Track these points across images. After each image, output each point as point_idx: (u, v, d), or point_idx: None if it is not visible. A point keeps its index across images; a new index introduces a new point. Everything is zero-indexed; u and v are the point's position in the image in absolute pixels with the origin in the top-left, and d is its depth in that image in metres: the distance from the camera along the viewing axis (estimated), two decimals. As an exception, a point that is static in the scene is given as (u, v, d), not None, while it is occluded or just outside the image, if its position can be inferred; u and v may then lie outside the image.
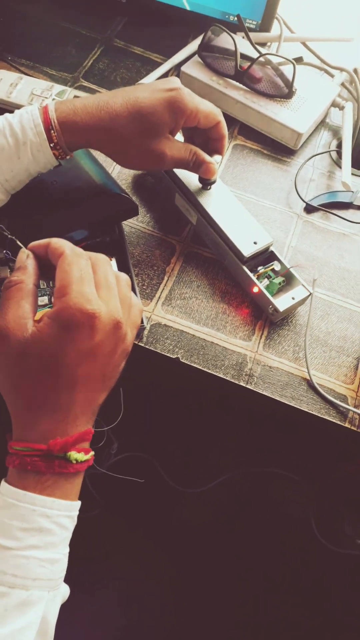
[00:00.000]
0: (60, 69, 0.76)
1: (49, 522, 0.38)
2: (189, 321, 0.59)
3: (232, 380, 0.56)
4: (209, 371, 0.56)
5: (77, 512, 0.40)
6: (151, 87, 0.52)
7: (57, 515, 0.38)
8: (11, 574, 0.36)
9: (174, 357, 0.56)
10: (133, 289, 0.57)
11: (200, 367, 0.56)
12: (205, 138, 0.57)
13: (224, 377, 0.56)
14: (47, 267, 0.42)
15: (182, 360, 0.56)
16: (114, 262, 0.59)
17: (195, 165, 0.56)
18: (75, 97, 0.67)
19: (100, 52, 0.80)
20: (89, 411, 0.40)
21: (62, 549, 0.39)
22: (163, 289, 0.60)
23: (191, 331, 0.58)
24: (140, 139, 0.52)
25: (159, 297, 0.60)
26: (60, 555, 0.39)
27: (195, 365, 0.56)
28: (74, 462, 0.39)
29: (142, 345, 0.56)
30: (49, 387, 0.38)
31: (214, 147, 0.57)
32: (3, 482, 0.39)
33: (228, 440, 1.01)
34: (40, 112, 0.49)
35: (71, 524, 0.40)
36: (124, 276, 0.43)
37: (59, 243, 0.41)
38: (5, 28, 0.79)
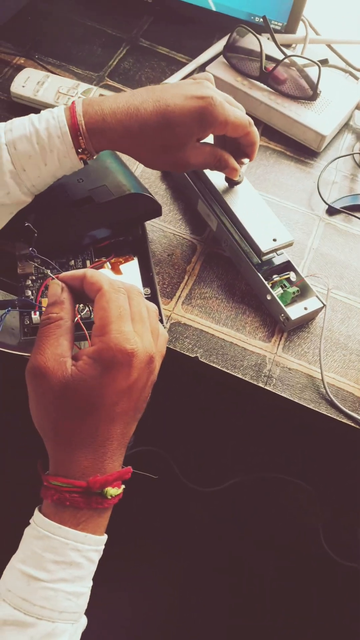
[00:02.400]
0: (86, 68, 0.77)
1: (79, 555, 0.39)
2: (209, 321, 0.59)
3: (251, 381, 0.56)
4: (228, 371, 0.56)
5: (103, 547, 0.41)
6: (184, 92, 0.51)
7: (88, 549, 0.39)
8: (39, 606, 0.37)
9: (193, 356, 0.56)
10: (154, 289, 0.57)
11: (219, 367, 0.56)
12: (237, 144, 0.57)
13: (243, 378, 0.56)
14: (80, 297, 0.42)
15: (201, 360, 0.56)
16: (136, 260, 0.59)
17: (220, 168, 0.56)
18: (101, 95, 0.68)
19: (125, 51, 0.80)
20: (123, 445, 0.41)
21: (87, 582, 0.40)
22: (183, 288, 0.61)
23: (211, 331, 0.58)
24: (166, 148, 0.52)
25: (179, 296, 0.60)
26: (85, 589, 0.40)
27: (214, 365, 0.56)
28: (109, 497, 0.39)
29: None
30: (89, 425, 0.39)
31: (244, 152, 0.57)
32: (37, 512, 0.40)
33: (242, 443, 1.01)
34: (67, 116, 0.49)
35: (97, 557, 0.41)
36: (153, 307, 0.43)
37: (96, 277, 0.41)
38: (32, 27, 0.80)
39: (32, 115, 0.50)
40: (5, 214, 0.52)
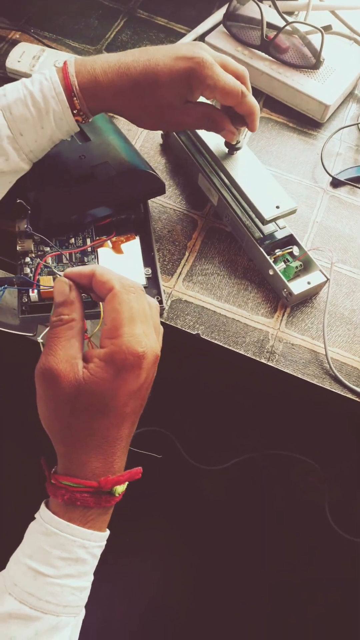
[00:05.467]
0: (83, 41, 0.75)
1: (85, 552, 0.39)
2: (210, 297, 0.58)
3: (253, 357, 0.55)
4: (230, 348, 0.55)
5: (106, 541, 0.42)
6: (174, 52, 0.49)
7: (93, 546, 0.40)
8: (45, 600, 0.38)
9: (194, 333, 0.56)
10: (155, 269, 0.56)
11: (221, 344, 0.55)
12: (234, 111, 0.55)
13: (245, 354, 0.55)
14: (84, 290, 0.42)
15: (203, 337, 0.56)
16: (137, 240, 0.58)
17: (216, 130, 0.55)
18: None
19: (123, 23, 0.78)
20: (129, 443, 0.41)
21: (90, 577, 0.41)
22: (184, 264, 0.60)
23: (212, 307, 0.57)
24: (158, 108, 0.51)
25: (180, 273, 0.59)
26: (88, 584, 0.41)
27: (215, 342, 0.56)
28: (117, 495, 0.40)
29: (163, 321, 0.56)
30: (100, 427, 0.39)
31: (241, 122, 0.55)
32: (45, 508, 0.40)
33: (246, 421, 1.00)
34: (60, 77, 0.48)
35: (100, 552, 0.41)
36: (154, 303, 0.43)
37: (106, 275, 0.40)
38: (27, 1, 0.78)
39: (24, 79, 0.49)
40: (5, 183, 0.51)
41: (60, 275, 0.41)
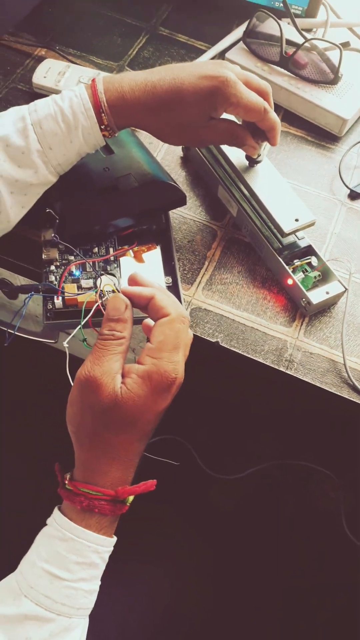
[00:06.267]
0: (106, 58, 0.78)
1: (98, 557, 0.41)
2: (229, 306, 0.59)
3: (272, 366, 0.56)
4: (249, 356, 0.56)
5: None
6: (199, 71, 0.51)
7: (105, 551, 0.42)
8: (60, 603, 0.40)
9: (213, 341, 0.57)
10: (175, 279, 0.57)
11: (239, 352, 0.56)
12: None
13: (264, 362, 0.56)
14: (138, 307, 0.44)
15: (222, 345, 0.56)
16: (158, 249, 0.59)
17: (238, 145, 0.56)
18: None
19: (145, 40, 0.80)
20: (140, 458, 0.43)
21: (99, 580, 0.43)
22: (204, 274, 0.61)
23: (231, 316, 0.58)
24: (182, 126, 0.53)
25: (200, 282, 0.60)
26: (97, 587, 0.43)
27: (234, 350, 0.56)
28: (127, 504, 0.42)
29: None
30: (125, 440, 0.41)
31: (263, 137, 0.57)
32: (60, 513, 0.42)
33: (263, 430, 1.00)
34: (89, 94, 0.50)
35: (108, 557, 0.43)
36: (191, 335, 0.45)
37: (165, 301, 0.43)
38: (54, 19, 0.81)
39: (54, 95, 0.51)
40: (33, 195, 0.53)
41: (119, 291, 0.44)
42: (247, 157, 0.59)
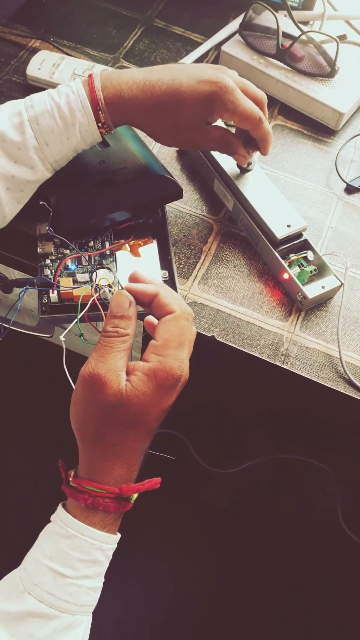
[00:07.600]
0: (101, 50, 0.77)
1: (101, 554, 0.41)
2: (225, 300, 0.59)
3: (268, 360, 0.56)
4: (245, 350, 0.56)
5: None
6: (198, 75, 0.50)
7: (109, 548, 0.42)
8: (64, 600, 0.40)
9: (209, 335, 0.56)
10: (172, 273, 0.57)
11: (235, 346, 0.56)
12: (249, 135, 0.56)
13: (260, 357, 0.56)
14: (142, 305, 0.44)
15: (218, 339, 0.56)
16: (155, 243, 0.59)
17: (229, 153, 0.57)
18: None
19: (140, 32, 0.80)
20: (143, 456, 0.43)
21: (102, 578, 0.43)
22: (200, 268, 0.61)
23: (227, 310, 0.58)
24: (177, 127, 0.53)
25: (196, 276, 0.60)
26: (101, 584, 0.42)
27: (230, 344, 0.56)
28: (131, 502, 0.42)
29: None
30: (129, 438, 0.41)
31: (254, 146, 0.57)
32: (63, 510, 0.42)
33: (259, 425, 1.01)
34: (87, 90, 0.49)
35: (112, 554, 0.43)
36: (195, 332, 0.45)
37: (169, 299, 0.42)
38: (48, 10, 0.80)
39: (50, 90, 0.51)
40: (29, 191, 0.53)
41: (123, 288, 0.43)
42: (238, 166, 0.60)
